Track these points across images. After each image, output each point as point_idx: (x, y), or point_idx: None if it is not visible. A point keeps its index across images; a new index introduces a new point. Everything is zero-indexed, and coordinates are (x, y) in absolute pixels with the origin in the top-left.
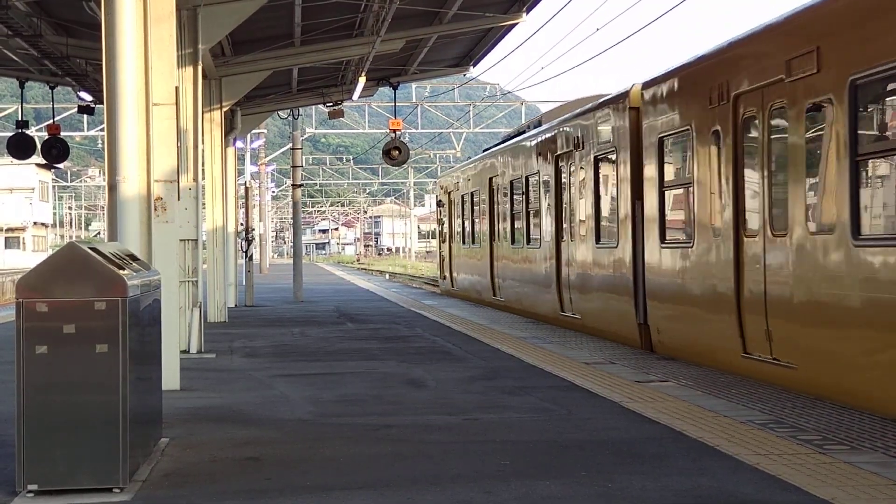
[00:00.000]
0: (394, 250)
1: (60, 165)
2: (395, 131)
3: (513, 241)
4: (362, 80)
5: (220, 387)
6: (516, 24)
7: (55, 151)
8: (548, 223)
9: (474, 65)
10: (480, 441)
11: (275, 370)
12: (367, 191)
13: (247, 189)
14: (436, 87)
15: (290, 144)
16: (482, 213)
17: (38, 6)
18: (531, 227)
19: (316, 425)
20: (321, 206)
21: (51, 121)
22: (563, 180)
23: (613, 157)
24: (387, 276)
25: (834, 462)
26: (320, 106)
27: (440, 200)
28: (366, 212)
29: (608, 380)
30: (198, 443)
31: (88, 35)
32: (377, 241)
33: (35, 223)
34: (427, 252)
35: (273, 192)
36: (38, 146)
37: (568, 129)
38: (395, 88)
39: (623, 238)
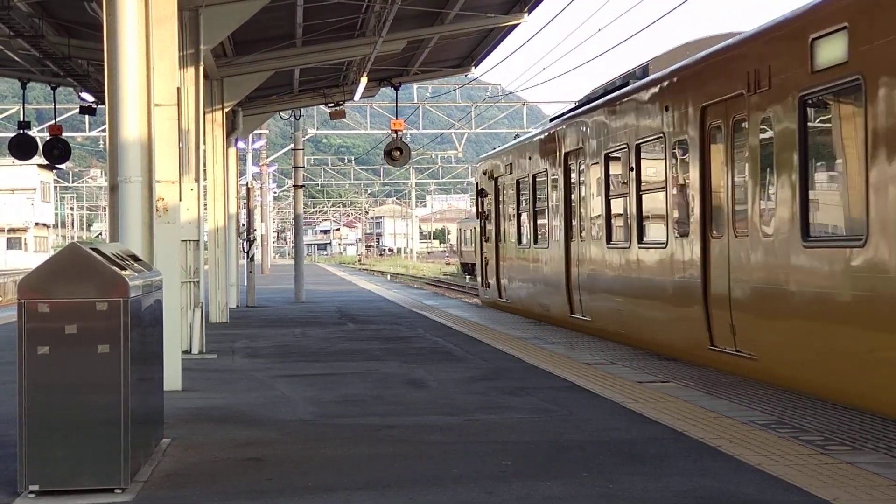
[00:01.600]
0: (395, 251)
1: (62, 166)
2: (396, 132)
3: (609, 240)
4: (364, 81)
5: (222, 387)
6: (518, 24)
7: (57, 152)
8: (683, 211)
9: (476, 65)
10: (481, 441)
11: (276, 371)
12: (369, 191)
13: (248, 189)
14: (437, 88)
15: (292, 145)
16: (553, 201)
17: (40, 7)
18: (645, 217)
19: (317, 426)
20: (323, 207)
21: (52, 121)
22: (717, 142)
23: (857, 90)
24: (388, 277)
25: (836, 463)
26: (322, 106)
27: (482, 189)
28: (367, 212)
29: (609, 380)
30: (199, 443)
31: (90, 36)
32: (379, 242)
33: (37, 224)
34: (429, 253)
35: (275, 192)
36: (40, 147)
37: (731, 63)
38: (396, 89)
39: (885, 231)
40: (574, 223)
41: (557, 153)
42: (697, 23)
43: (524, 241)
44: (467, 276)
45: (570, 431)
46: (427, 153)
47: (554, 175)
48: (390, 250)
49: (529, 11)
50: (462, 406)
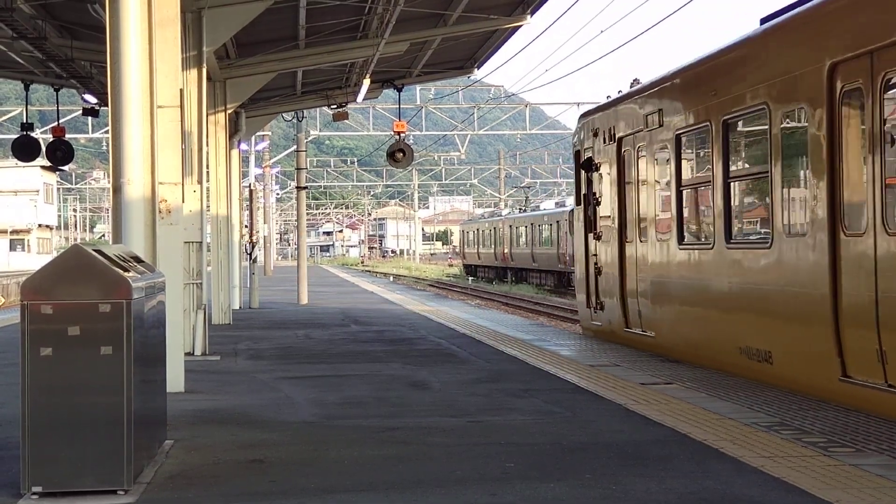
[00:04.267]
0: (398, 253)
1: (65, 168)
2: (399, 133)
3: None
4: (367, 83)
5: (225, 389)
6: (520, 26)
7: (60, 153)
8: None
9: (479, 67)
10: (485, 443)
11: (279, 372)
12: (372, 193)
13: (251, 191)
14: (440, 90)
15: (295, 147)
16: (782, 165)
17: (43, 9)
18: None
19: (320, 427)
20: (325, 209)
21: (55, 123)
22: None
23: None
24: (391, 279)
25: (839, 465)
26: (324, 108)
27: (588, 160)
28: (370, 214)
29: (613, 382)
30: (202, 445)
31: (93, 38)
32: (381, 244)
33: (40, 225)
34: (431, 254)
35: (277, 194)
36: (43, 148)
37: None
38: (399, 91)
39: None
40: (848, 202)
41: (799, 72)
42: (699, 23)
43: (695, 236)
44: (470, 278)
45: (574, 433)
46: (430, 155)
47: (786, 113)
48: (393, 252)
49: (532, 13)
50: (465, 408)
